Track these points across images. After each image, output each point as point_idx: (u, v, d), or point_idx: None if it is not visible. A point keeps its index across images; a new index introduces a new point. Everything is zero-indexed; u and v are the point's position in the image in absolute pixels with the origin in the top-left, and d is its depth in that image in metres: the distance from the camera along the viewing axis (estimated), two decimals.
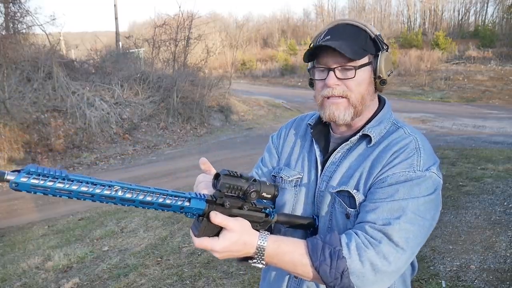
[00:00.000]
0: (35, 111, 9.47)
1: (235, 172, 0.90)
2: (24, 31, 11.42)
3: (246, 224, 0.91)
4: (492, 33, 25.46)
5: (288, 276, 1.13)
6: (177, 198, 0.84)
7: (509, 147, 7.62)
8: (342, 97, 1.03)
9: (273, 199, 0.94)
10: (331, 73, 1.02)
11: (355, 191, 1.01)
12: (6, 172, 0.68)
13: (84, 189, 0.75)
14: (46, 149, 8.86)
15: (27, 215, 5.94)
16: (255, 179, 0.92)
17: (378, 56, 1.05)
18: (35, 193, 0.71)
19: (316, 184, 1.10)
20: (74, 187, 0.74)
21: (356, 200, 1.00)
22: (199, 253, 3.80)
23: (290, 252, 0.91)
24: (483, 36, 24.61)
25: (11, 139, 8.51)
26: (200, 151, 9.47)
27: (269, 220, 0.97)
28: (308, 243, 0.92)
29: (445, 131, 9.88)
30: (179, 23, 12.82)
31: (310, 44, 1.11)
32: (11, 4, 11.02)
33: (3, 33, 10.82)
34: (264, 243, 0.90)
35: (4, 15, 11.02)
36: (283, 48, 29.38)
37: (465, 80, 18.58)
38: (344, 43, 1.01)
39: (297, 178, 1.14)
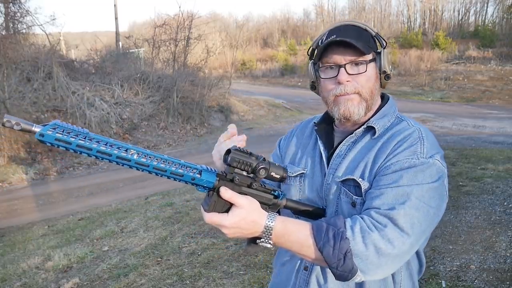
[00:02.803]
0: (35, 111, 9.47)
1: (246, 149, 0.92)
2: (24, 31, 11.43)
3: (256, 202, 0.92)
4: (492, 33, 25.47)
5: (297, 268, 1.14)
6: (189, 169, 0.85)
7: (509, 147, 7.62)
8: (354, 93, 1.06)
9: (282, 180, 0.96)
10: (342, 69, 1.05)
11: (360, 179, 1.03)
12: (34, 124, 0.73)
13: (103, 148, 0.76)
14: (46, 149, 8.86)
15: (27, 215, 5.94)
16: (264, 158, 0.93)
17: (380, 53, 1.09)
18: (57, 146, 0.74)
19: (323, 178, 1.12)
20: (94, 145, 0.76)
21: (362, 187, 1.02)
22: (199, 253, 3.81)
23: (296, 231, 0.93)
24: (483, 36, 24.61)
25: (11, 139, 8.50)
26: (200, 151, 9.47)
27: (278, 203, 0.99)
28: (313, 225, 0.94)
29: (445, 131, 9.88)
30: (179, 23, 12.82)
31: (310, 47, 1.15)
32: (11, 4, 11.02)
33: (3, 33, 10.82)
34: (272, 223, 0.91)
35: (4, 15, 11.03)
36: (283, 48, 29.39)
37: (465, 80, 18.58)
38: (353, 39, 1.04)
39: (300, 173, 1.18)
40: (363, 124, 1.10)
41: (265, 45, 33.97)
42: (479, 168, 5.94)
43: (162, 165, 0.82)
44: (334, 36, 1.05)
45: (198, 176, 0.86)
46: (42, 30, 11.58)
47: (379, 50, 1.10)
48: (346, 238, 0.89)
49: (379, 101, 1.15)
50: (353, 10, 37.20)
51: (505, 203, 4.46)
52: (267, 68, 25.91)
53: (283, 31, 37.04)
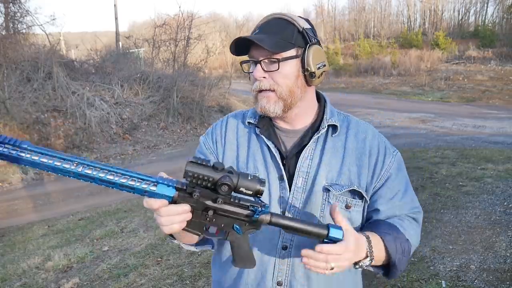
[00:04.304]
0: (35, 111, 9.47)
1: (205, 161, 0.82)
2: (24, 31, 11.41)
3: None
4: (492, 33, 25.47)
5: (273, 266, 1.07)
6: (141, 181, 0.81)
7: (509, 147, 7.61)
8: (271, 90, 1.03)
9: (257, 195, 0.84)
10: (258, 65, 1.02)
11: (356, 186, 1.06)
12: None
13: (44, 160, 0.75)
14: None
15: (27, 215, 5.94)
16: (232, 170, 0.83)
17: (306, 50, 1.04)
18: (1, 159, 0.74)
19: (281, 182, 1.06)
20: (35, 158, 0.75)
21: (364, 194, 1.07)
22: (199, 253, 3.80)
23: (376, 245, 0.99)
24: (483, 36, 24.61)
25: None
26: None
27: (260, 219, 0.88)
28: (382, 237, 1.00)
29: (445, 131, 9.87)
30: (179, 23, 12.80)
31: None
32: (11, 4, 11.01)
33: (3, 33, 10.81)
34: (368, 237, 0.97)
35: (4, 15, 11.02)
36: None
37: (465, 80, 18.58)
38: (267, 36, 1.00)
39: None
40: (314, 124, 1.10)
41: None
42: (479, 168, 5.94)
43: (109, 177, 0.79)
44: (258, 30, 1.04)
45: (153, 189, 0.81)
46: (42, 30, 11.59)
47: (311, 44, 1.04)
48: (410, 248, 1.04)
49: (313, 99, 1.12)
50: (353, 10, 37.19)
51: (505, 203, 4.47)
52: None
53: None
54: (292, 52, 1.02)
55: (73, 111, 9.91)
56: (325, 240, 0.89)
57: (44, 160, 0.75)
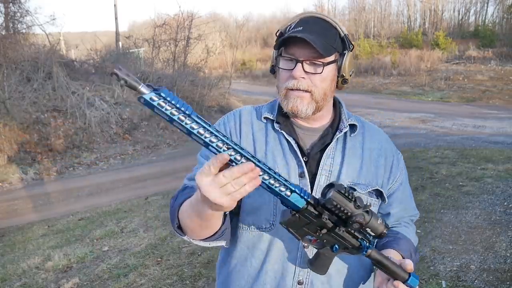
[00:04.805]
0: (35, 111, 9.47)
1: (351, 194, 0.85)
2: (24, 31, 11.40)
3: None
4: (492, 33, 25.43)
5: (295, 267, 1.06)
6: (280, 184, 0.79)
7: (509, 147, 7.61)
8: (307, 91, 1.02)
9: (379, 237, 0.89)
10: (299, 65, 1.01)
11: (378, 186, 1.11)
12: (142, 83, 0.68)
13: (201, 132, 0.71)
14: (46, 149, 8.86)
15: (27, 215, 5.94)
16: (369, 210, 0.86)
17: (344, 55, 1.05)
18: (156, 113, 0.70)
19: (301, 180, 1.05)
20: (194, 126, 0.71)
21: (384, 194, 1.12)
22: (199, 253, 3.81)
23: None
24: (483, 36, 24.59)
25: (11, 139, 8.50)
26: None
27: (366, 254, 0.94)
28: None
29: (445, 131, 9.87)
30: (179, 23, 12.80)
31: (277, 32, 1.09)
32: (11, 4, 11.01)
33: (3, 33, 10.80)
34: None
35: (4, 15, 11.02)
36: None
37: (465, 80, 18.57)
38: (317, 37, 0.99)
39: None
40: (333, 124, 1.12)
41: (265, 45, 33.93)
42: (479, 168, 5.94)
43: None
44: (301, 28, 1.01)
45: (288, 194, 0.81)
46: (42, 30, 11.57)
47: (344, 52, 1.06)
48: (418, 255, 1.13)
49: (331, 101, 1.14)
50: (353, 10, 37.16)
51: (505, 203, 4.47)
52: (267, 68, 25.61)
53: None
54: (332, 57, 1.03)
55: (73, 111, 9.90)
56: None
57: (201, 131, 0.71)
